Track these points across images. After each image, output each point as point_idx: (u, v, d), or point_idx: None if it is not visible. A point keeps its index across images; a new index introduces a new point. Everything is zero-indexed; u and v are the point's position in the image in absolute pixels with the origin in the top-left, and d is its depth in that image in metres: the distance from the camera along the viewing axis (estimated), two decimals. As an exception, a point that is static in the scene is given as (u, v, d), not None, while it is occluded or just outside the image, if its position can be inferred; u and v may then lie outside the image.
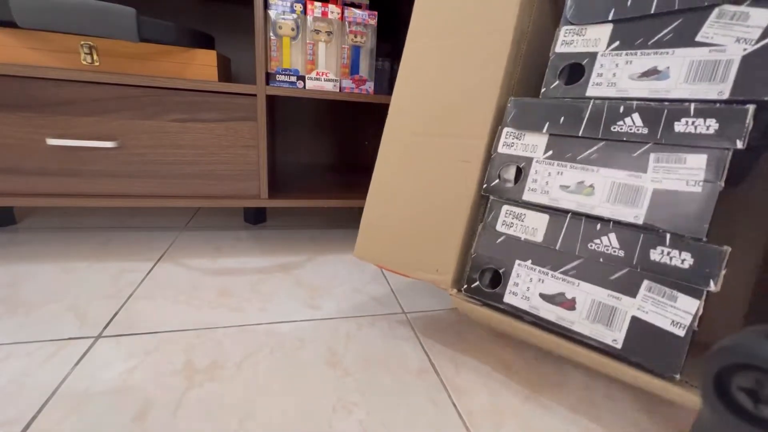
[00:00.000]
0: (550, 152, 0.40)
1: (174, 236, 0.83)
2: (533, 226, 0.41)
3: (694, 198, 0.33)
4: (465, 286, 0.46)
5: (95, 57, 0.64)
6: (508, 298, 0.42)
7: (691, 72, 0.34)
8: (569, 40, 0.41)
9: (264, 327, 0.54)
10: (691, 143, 0.33)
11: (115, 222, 0.88)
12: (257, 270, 0.71)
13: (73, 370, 0.44)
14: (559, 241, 0.39)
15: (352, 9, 0.74)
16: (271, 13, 0.70)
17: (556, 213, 0.39)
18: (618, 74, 0.38)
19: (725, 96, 0.32)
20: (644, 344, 0.34)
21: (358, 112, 1.21)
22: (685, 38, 0.35)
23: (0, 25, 0.61)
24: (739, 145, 0.31)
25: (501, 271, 0.43)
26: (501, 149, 0.43)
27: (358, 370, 0.47)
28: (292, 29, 0.72)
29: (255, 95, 0.72)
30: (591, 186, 0.37)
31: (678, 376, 0.33)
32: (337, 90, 0.77)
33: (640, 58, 0.37)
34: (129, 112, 0.68)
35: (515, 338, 0.56)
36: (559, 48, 0.42)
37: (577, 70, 0.41)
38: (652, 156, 0.35)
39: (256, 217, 0.95)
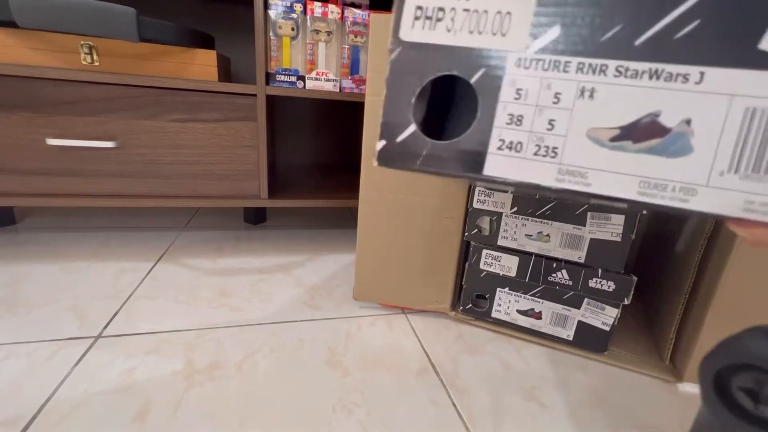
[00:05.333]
0: (515, 208, 0.52)
1: (174, 236, 0.83)
2: (508, 265, 0.54)
3: (615, 245, 0.48)
4: (461, 308, 0.59)
5: (95, 57, 0.64)
6: (494, 314, 0.57)
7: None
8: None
9: (264, 327, 0.54)
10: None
11: (115, 222, 0.88)
12: (257, 270, 0.71)
13: (72, 370, 0.44)
14: (528, 275, 0.53)
15: (352, 9, 0.74)
16: (271, 13, 0.70)
17: (523, 255, 0.53)
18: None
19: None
20: (586, 337, 0.53)
21: (358, 112, 1.21)
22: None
23: (0, 24, 0.61)
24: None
25: (487, 296, 0.57)
26: (476, 205, 0.54)
27: (358, 370, 0.47)
28: (292, 29, 0.72)
29: (255, 95, 0.72)
30: (548, 235, 0.51)
31: (606, 353, 0.53)
32: (337, 90, 0.77)
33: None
34: (129, 112, 0.68)
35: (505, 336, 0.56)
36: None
37: None
38: (589, 214, 0.49)
39: (256, 217, 0.95)
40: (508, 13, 0.21)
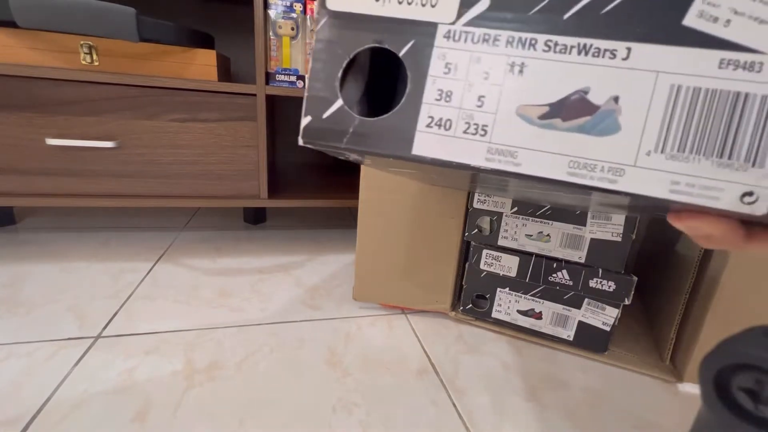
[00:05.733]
0: (516, 208, 0.52)
1: (174, 236, 0.83)
2: (508, 265, 0.54)
3: (616, 245, 0.48)
4: (461, 308, 0.59)
5: (95, 57, 0.64)
6: (495, 315, 0.57)
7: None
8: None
9: (264, 327, 0.54)
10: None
11: (115, 222, 0.88)
12: (257, 270, 0.71)
13: (72, 370, 0.44)
14: (528, 275, 0.53)
15: (352, 9, 0.74)
16: (271, 12, 0.70)
17: (524, 255, 0.53)
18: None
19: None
20: (586, 337, 0.53)
21: (357, 112, 1.21)
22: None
23: (0, 24, 0.61)
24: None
25: (487, 296, 0.57)
26: (476, 205, 0.54)
27: (358, 370, 0.47)
28: (292, 29, 0.72)
29: (255, 95, 0.72)
30: (548, 235, 0.51)
31: (606, 353, 0.53)
32: (337, 90, 0.77)
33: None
34: (128, 112, 0.68)
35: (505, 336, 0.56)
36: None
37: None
38: (589, 214, 0.49)
39: (256, 217, 0.95)
40: None
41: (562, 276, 0.51)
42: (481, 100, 0.20)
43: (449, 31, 0.20)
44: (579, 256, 0.50)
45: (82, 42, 0.63)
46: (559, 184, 0.19)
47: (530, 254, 0.52)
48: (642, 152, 0.18)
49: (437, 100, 0.21)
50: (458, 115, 0.20)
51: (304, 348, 0.50)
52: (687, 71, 0.17)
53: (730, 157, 0.17)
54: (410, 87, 0.21)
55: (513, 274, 0.54)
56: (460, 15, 0.20)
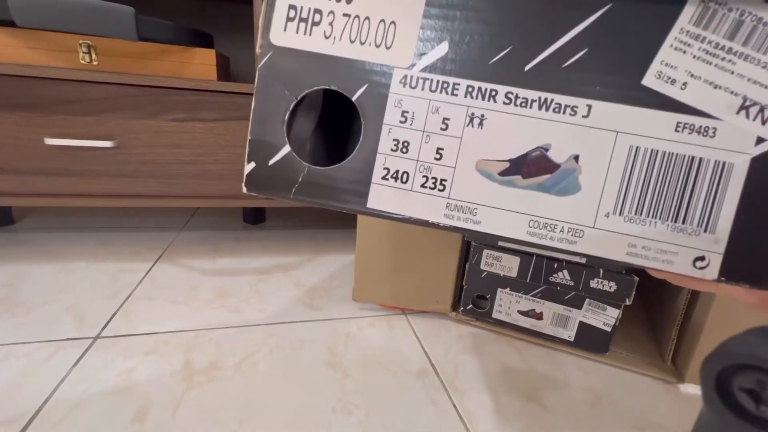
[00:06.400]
0: None
1: (173, 236, 0.83)
2: (509, 266, 0.54)
3: None
4: (462, 309, 0.59)
5: (94, 56, 0.64)
6: (495, 315, 0.57)
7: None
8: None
9: (263, 327, 0.54)
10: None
11: (114, 222, 0.88)
12: (256, 270, 0.71)
13: (71, 370, 0.43)
14: (529, 275, 0.53)
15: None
16: (271, 12, 0.70)
17: (524, 255, 0.52)
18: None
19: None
20: (587, 337, 0.53)
21: (357, 111, 1.21)
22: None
23: (-2, 24, 0.60)
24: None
25: (487, 296, 0.57)
26: None
27: (357, 371, 0.47)
28: (292, 29, 0.72)
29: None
30: None
31: (607, 353, 0.53)
32: (337, 90, 0.77)
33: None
34: (127, 112, 0.67)
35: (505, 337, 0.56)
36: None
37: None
38: None
39: (255, 217, 0.95)
40: (393, 23, 0.18)
41: (563, 276, 0.51)
42: (440, 152, 0.19)
43: (405, 77, 0.19)
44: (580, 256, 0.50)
45: (81, 41, 0.63)
46: (519, 243, 0.19)
47: (531, 254, 0.52)
48: (601, 213, 0.18)
49: (393, 150, 0.19)
50: (416, 167, 0.19)
51: (303, 349, 0.50)
52: (645, 133, 0.17)
53: (684, 222, 0.17)
54: (364, 135, 0.19)
55: (514, 274, 0.54)
56: (417, 60, 0.19)
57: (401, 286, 0.59)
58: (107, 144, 0.67)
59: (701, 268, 0.17)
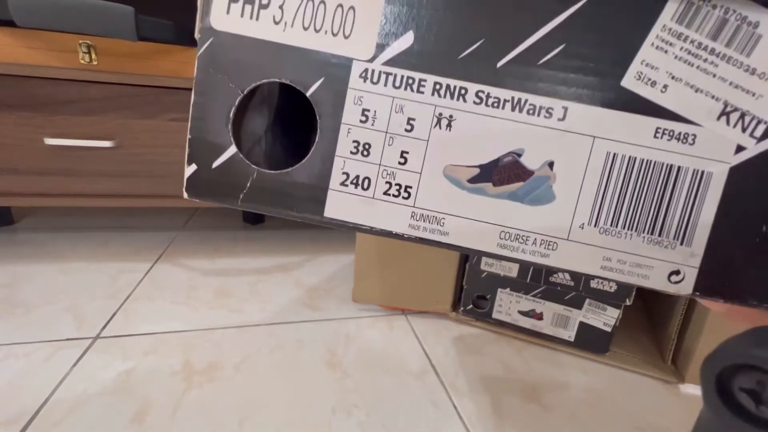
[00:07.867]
0: None
1: (172, 236, 0.83)
2: (509, 266, 0.53)
3: None
4: (462, 309, 0.59)
5: (93, 56, 0.64)
6: (495, 315, 0.57)
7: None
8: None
9: (263, 328, 0.54)
10: None
11: (114, 222, 0.87)
12: (256, 270, 0.70)
13: (71, 370, 0.43)
14: (529, 275, 0.53)
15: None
16: (271, 12, 0.70)
17: None
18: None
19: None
20: (587, 337, 0.53)
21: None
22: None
23: (-2, 24, 0.60)
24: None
25: (488, 296, 0.57)
26: None
27: (357, 371, 0.47)
28: (292, 29, 0.72)
29: (254, 95, 0.71)
30: None
31: (607, 354, 0.53)
32: (337, 90, 0.77)
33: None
34: (127, 112, 0.67)
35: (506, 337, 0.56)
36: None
37: None
38: None
39: (255, 217, 0.95)
40: (351, 8, 0.16)
41: (563, 276, 0.51)
42: (405, 156, 0.17)
43: (366, 70, 0.17)
44: None
45: (80, 41, 0.63)
46: (489, 256, 0.18)
47: None
48: (575, 225, 0.17)
49: (353, 153, 0.17)
50: (378, 172, 0.17)
51: (303, 349, 0.50)
52: (623, 138, 0.16)
53: (660, 234, 0.16)
54: (321, 135, 0.17)
55: (514, 274, 0.54)
56: (378, 51, 0.17)
57: (401, 286, 0.59)
58: (107, 144, 0.67)
59: (676, 283, 0.16)
